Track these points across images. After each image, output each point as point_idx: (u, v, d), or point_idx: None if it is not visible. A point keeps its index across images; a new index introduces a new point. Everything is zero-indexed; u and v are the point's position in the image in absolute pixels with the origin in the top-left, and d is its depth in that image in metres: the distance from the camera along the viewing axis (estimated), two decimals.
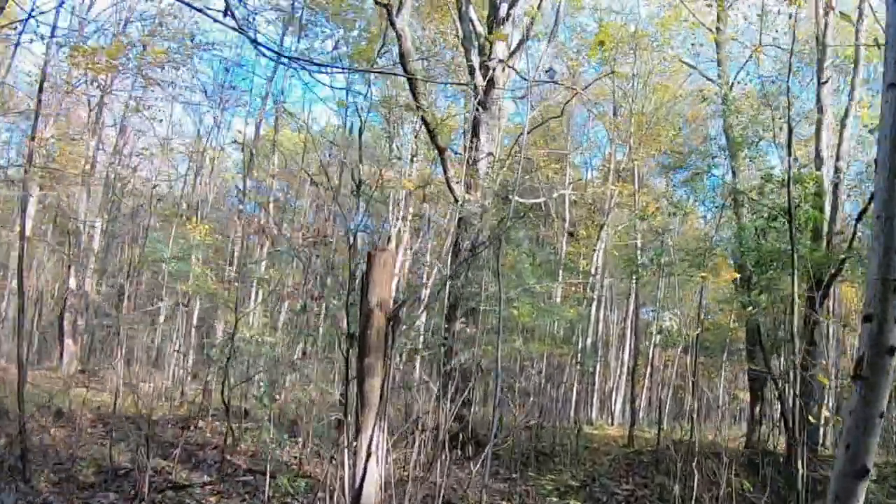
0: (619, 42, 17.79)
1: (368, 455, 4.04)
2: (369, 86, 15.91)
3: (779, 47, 14.51)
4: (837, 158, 9.74)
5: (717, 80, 13.69)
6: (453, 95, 21.29)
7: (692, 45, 16.33)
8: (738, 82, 13.29)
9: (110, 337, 18.42)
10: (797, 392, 6.75)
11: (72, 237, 19.80)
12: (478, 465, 5.78)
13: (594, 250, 18.43)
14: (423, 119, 9.55)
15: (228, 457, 8.51)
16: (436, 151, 10.45)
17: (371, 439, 4.06)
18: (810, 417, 6.39)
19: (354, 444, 4.07)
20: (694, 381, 8.77)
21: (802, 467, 6.13)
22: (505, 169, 9.11)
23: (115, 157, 20.96)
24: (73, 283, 19.57)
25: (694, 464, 6.20)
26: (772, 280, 9.46)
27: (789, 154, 6.75)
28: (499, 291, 5.50)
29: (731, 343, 14.64)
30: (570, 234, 18.49)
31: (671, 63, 18.59)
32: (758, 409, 12.80)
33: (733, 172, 13.20)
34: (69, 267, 19.65)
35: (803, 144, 13.59)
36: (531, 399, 10.40)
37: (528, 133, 9.44)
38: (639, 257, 15.13)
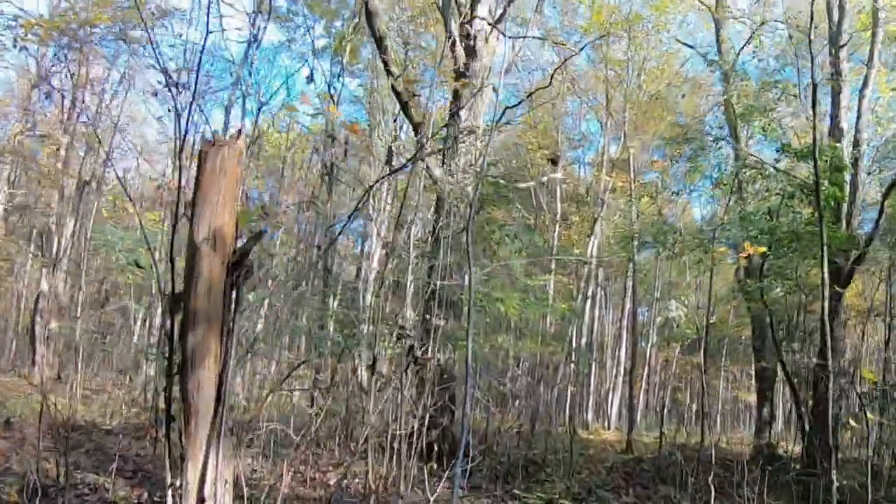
0: (612, 24, 16.90)
1: (201, 501, 2.44)
2: (342, 70, 15.03)
3: (782, 22, 13.66)
4: (857, 131, 8.77)
5: (719, 60, 12.81)
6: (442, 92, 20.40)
7: (690, 31, 15.57)
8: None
9: (78, 341, 17.52)
10: (825, 390, 5.77)
11: (44, 238, 18.96)
12: (444, 480, 4.74)
13: (588, 236, 17.47)
14: (392, 88, 8.50)
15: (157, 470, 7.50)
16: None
17: (204, 473, 2.40)
18: (852, 421, 5.40)
19: (178, 482, 2.45)
20: (703, 380, 7.74)
21: (834, 479, 5.16)
22: (488, 147, 8.10)
23: (88, 153, 20.02)
24: (44, 285, 18.63)
25: (710, 478, 5.18)
26: (785, 266, 8.47)
27: (814, 115, 5.78)
28: (469, 268, 4.50)
29: (733, 341, 13.72)
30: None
31: (667, 46, 17.76)
32: (766, 410, 12.07)
33: (736, 156, 12.33)
34: (41, 269, 18.73)
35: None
36: (517, 402, 9.43)
37: (516, 107, 8.51)
38: (637, 236, 14.00)
